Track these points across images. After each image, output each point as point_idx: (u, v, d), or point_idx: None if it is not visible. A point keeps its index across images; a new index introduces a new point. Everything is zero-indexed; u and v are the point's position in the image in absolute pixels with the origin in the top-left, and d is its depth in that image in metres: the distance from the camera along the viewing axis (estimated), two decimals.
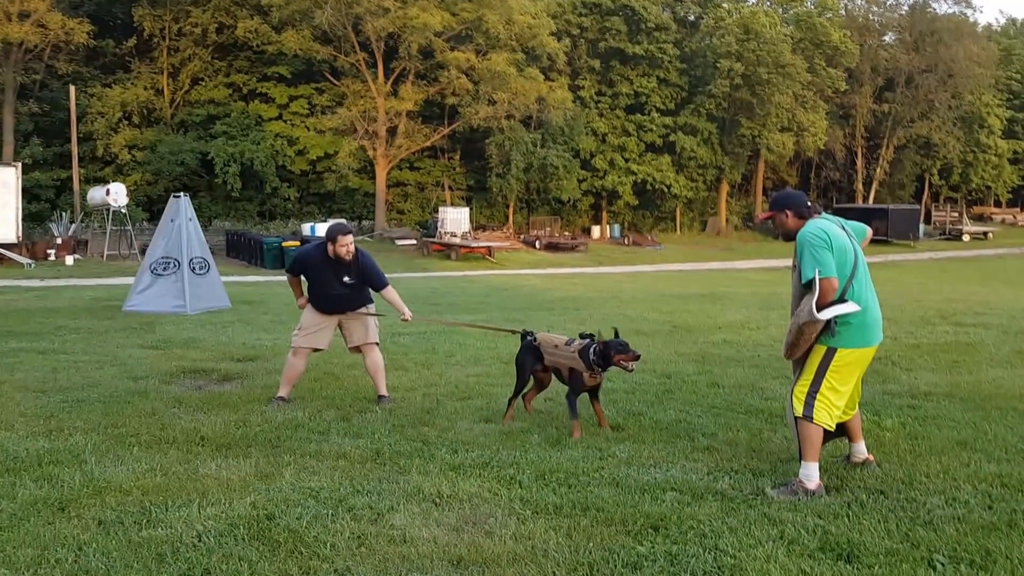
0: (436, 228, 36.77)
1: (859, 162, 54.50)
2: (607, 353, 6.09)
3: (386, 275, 7.25)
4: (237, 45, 40.71)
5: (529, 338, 6.63)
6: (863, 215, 48.75)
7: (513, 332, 7.04)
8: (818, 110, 46.81)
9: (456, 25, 37.73)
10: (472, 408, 6.88)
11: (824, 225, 4.79)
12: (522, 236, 40.96)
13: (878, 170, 53.99)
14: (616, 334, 6.20)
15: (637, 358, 6.13)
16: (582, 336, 6.35)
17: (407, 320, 7.16)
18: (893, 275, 26.61)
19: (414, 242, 37.47)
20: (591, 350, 6.15)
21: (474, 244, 34.83)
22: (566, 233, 43.34)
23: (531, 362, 6.54)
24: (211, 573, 3.74)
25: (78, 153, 35.23)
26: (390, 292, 7.10)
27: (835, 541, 4.06)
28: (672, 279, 26.52)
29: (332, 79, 40.63)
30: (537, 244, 39.38)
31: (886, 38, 55.00)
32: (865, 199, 53.98)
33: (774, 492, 4.72)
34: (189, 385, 7.89)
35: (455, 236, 35.64)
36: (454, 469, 5.19)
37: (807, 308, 4.61)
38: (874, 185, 54.58)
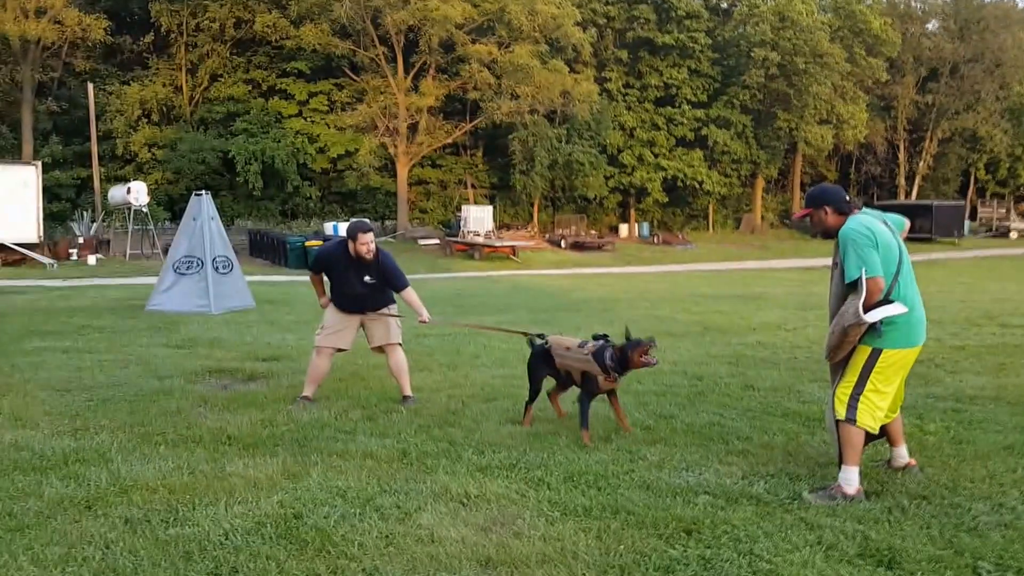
0: (459, 227, 36.89)
1: (901, 156, 53.94)
2: (624, 357, 5.94)
3: (407, 276, 7.33)
4: (255, 40, 41.13)
5: (540, 342, 6.55)
6: (905, 211, 47.68)
7: (525, 335, 7.00)
8: (858, 102, 46.39)
9: (477, 17, 37.80)
10: (498, 409, 6.93)
11: (867, 221, 4.74)
12: (547, 235, 41.00)
13: (921, 164, 53.45)
14: (627, 334, 6.04)
15: (652, 344, 5.91)
16: (595, 337, 6.23)
17: (424, 321, 7.24)
18: (937, 274, 26.34)
19: (437, 242, 37.63)
20: (607, 353, 6.02)
21: (498, 244, 34.93)
22: (592, 232, 43.31)
23: (542, 367, 6.47)
24: (239, 572, 3.82)
25: (98, 152, 35.72)
26: (410, 293, 7.16)
27: (875, 547, 4.06)
28: (704, 279, 26.43)
29: (351, 75, 40.90)
30: (562, 243, 39.38)
31: (929, 26, 54.43)
32: (907, 195, 53.47)
33: (812, 497, 4.72)
34: (214, 384, 8.04)
35: (478, 235, 35.76)
36: (481, 470, 5.25)
37: (852, 310, 4.57)
38: (917, 180, 54.03)
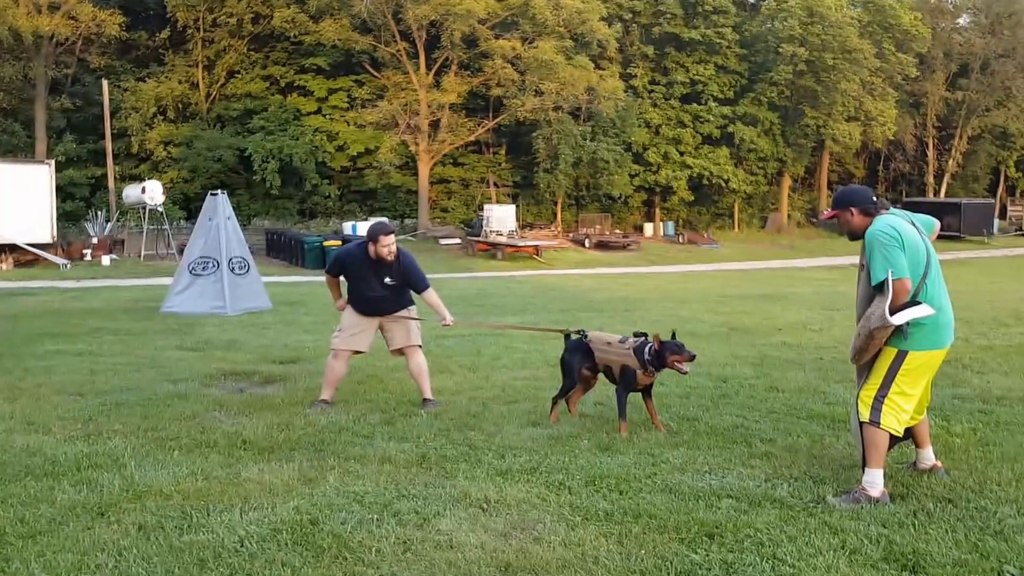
0: (481, 227, 36.91)
1: (930, 153, 53.50)
2: (662, 353, 6.20)
3: (428, 276, 7.35)
4: (274, 36, 41.25)
5: (576, 336, 6.75)
6: (934, 210, 47.77)
7: (561, 332, 7.11)
8: (887, 98, 46.01)
9: (501, 11, 37.78)
10: (519, 412, 6.95)
11: (894, 222, 4.76)
12: (570, 234, 40.95)
13: (951, 162, 53.02)
14: (673, 335, 6.30)
15: (692, 359, 6.22)
16: (636, 335, 6.45)
17: (448, 324, 7.26)
18: (965, 273, 26.14)
19: (458, 241, 37.68)
20: (646, 349, 6.25)
21: (521, 243, 34.94)
22: (617, 231, 43.20)
23: (579, 361, 6.64)
24: None
25: (113, 150, 35.95)
26: (431, 294, 7.19)
27: (900, 551, 4.06)
28: (729, 279, 26.37)
29: (372, 71, 40.95)
30: (586, 243, 39.35)
31: (960, 20, 53.96)
32: (936, 193, 53.05)
33: (836, 500, 4.73)
34: (230, 388, 8.10)
35: (501, 235, 35.77)
36: (501, 474, 5.27)
37: (879, 312, 4.58)
38: (946, 178, 53.61)
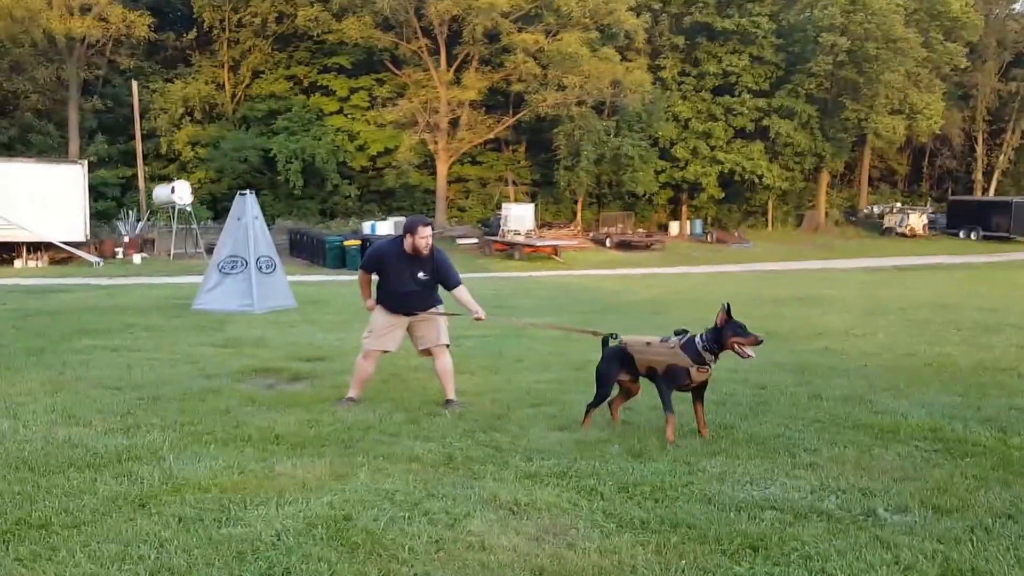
0: (498, 226, 36.94)
1: (979, 149, 52.75)
2: (721, 334, 5.95)
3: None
4: (297, 35, 41.88)
5: (614, 342, 6.50)
6: (982, 208, 47.31)
7: (595, 334, 6.89)
8: (934, 90, 45.24)
9: (524, 4, 37.68)
10: (544, 415, 6.94)
11: None
12: (590, 234, 40.78)
13: (1001, 158, 52.25)
14: (728, 309, 6.03)
15: (758, 343, 5.96)
16: (677, 333, 6.24)
17: (480, 319, 7.27)
18: (1016, 276, 25.72)
19: (475, 241, 37.77)
20: (700, 337, 6.04)
21: (539, 243, 35.00)
22: (640, 230, 42.99)
23: (616, 369, 6.42)
24: (291, 573, 3.92)
25: (142, 150, 36.60)
26: (462, 291, 7.19)
27: (957, 568, 3.99)
28: (763, 280, 26.09)
29: (393, 69, 41.18)
30: (607, 242, 39.30)
31: (1015, 7, 53.09)
32: (985, 191, 52.32)
33: None
34: (260, 384, 8.27)
35: (519, 234, 35.86)
36: (530, 477, 5.27)
37: None
38: (996, 175, 52.83)
